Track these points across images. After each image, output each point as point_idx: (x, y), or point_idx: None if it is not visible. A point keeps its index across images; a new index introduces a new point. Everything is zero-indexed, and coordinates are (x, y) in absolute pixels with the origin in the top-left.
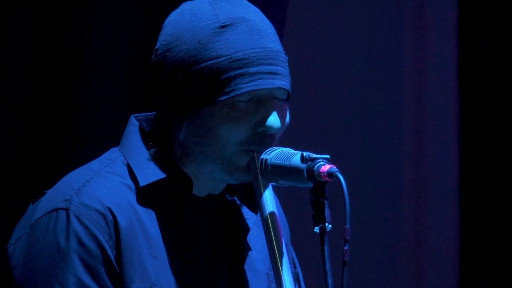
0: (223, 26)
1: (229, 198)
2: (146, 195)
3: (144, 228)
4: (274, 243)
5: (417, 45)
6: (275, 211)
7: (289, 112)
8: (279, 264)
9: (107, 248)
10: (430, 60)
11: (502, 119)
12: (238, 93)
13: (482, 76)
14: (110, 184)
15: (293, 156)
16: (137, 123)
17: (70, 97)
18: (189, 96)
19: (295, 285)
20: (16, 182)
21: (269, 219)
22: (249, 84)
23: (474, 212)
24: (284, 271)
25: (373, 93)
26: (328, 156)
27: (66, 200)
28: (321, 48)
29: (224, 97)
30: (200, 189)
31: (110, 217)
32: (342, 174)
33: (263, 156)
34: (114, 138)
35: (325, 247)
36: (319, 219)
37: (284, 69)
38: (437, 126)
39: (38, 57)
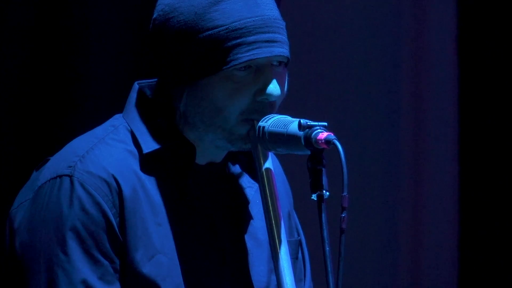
0: None
1: (231, 166)
2: (149, 162)
3: (148, 196)
4: (272, 213)
5: (417, 7)
6: (274, 180)
7: (287, 79)
8: (275, 234)
9: (111, 216)
10: (431, 19)
11: (503, 109)
12: (236, 63)
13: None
14: (114, 151)
15: (291, 124)
16: (141, 90)
17: (71, 66)
18: (187, 67)
19: (297, 252)
20: (16, 153)
21: (267, 188)
22: (247, 54)
23: (474, 187)
24: (282, 242)
25: (372, 60)
26: (326, 124)
27: (70, 166)
28: (319, 15)
29: (223, 68)
30: (201, 157)
31: (114, 184)
32: (339, 141)
33: (260, 123)
34: (116, 107)
35: (323, 215)
36: (317, 187)
37: (282, 36)
38: (436, 96)
39: (38, 24)
